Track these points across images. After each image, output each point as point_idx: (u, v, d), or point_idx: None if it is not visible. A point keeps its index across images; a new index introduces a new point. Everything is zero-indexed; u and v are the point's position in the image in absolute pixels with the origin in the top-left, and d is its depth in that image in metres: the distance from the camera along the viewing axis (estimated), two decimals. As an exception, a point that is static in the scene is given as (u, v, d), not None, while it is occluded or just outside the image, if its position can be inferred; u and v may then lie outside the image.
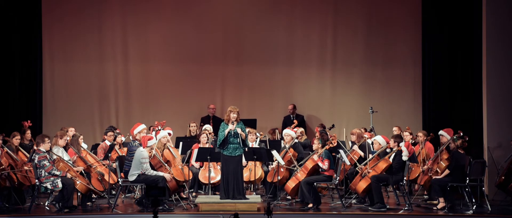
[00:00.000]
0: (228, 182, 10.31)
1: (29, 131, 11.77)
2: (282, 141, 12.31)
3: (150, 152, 10.42)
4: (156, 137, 10.88)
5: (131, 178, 10.31)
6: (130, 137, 11.55)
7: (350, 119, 15.09)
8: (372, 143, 11.40)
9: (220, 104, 15.06)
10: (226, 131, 10.28)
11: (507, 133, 11.88)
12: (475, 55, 13.15)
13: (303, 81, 15.37)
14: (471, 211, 10.37)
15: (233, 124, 10.29)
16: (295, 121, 13.29)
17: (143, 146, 10.35)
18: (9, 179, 10.53)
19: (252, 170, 11.40)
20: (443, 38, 14.41)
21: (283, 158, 11.11)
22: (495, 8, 12.16)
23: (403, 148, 10.45)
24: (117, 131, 12.16)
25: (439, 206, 10.61)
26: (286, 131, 11.70)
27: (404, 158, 10.44)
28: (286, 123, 14.59)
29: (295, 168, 11.02)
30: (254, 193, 12.17)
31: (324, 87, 15.38)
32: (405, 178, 10.68)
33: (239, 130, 10.30)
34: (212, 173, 11.34)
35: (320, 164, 10.60)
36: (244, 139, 10.36)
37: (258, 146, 11.81)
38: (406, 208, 10.47)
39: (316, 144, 10.82)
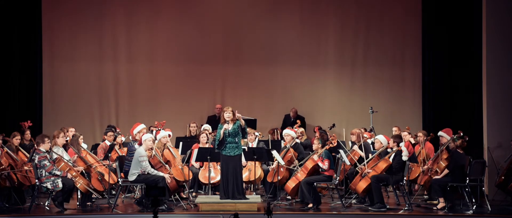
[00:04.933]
0: (228, 182, 10.31)
1: (28, 131, 11.77)
2: (282, 141, 12.31)
3: (150, 152, 10.42)
4: (156, 137, 10.88)
5: (131, 178, 10.31)
6: (130, 137, 11.55)
7: (350, 119, 15.09)
8: (373, 143, 11.39)
9: (220, 104, 15.05)
10: (221, 131, 10.27)
11: (507, 133, 11.88)
12: (475, 54, 13.15)
13: (303, 81, 15.38)
14: (471, 211, 10.36)
15: (228, 124, 10.29)
16: (298, 121, 13.28)
17: (138, 143, 10.39)
18: (9, 179, 10.53)
19: (251, 170, 11.40)
20: (443, 38, 14.42)
21: (283, 158, 11.11)
22: (495, 8, 12.16)
23: (403, 148, 10.46)
24: (118, 130, 12.15)
25: (439, 206, 10.60)
26: (286, 131, 11.70)
27: (404, 158, 10.44)
28: (286, 121, 14.64)
29: (295, 168, 11.01)
30: (254, 193, 12.17)
31: (324, 87, 15.40)
32: (405, 178, 10.68)
33: (239, 117, 10.25)
34: (212, 173, 11.34)
35: (320, 164, 10.60)
36: (244, 127, 10.33)
37: (257, 146, 11.84)
38: (406, 208, 10.47)
39: (316, 144, 10.82)
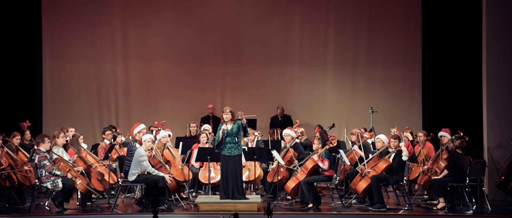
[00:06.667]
0: (228, 182, 10.31)
1: (28, 131, 11.78)
2: (282, 141, 12.31)
3: (149, 153, 10.42)
4: (155, 137, 10.88)
5: (131, 178, 10.31)
6: (130, 137, 11.55)
7: (350, 119, 15.09)
8: (373, 143, 11.38)
9: (220, 104, 15.06)
10: (220, 132, 10.28)
11: (507, 133, 11.88)
12: (475, 55, 13.15)
13: (303, 81, 15.38)
14: (471, 211, 10.36)
15: (226, 125, 10.29)
16: (297, 121, 13.29)
17: (139, 142, 10.41)
18: (9, 179, 10.53)
19: (251, 170, 11.40)
20: (443, 38, 14.43)
21: (283, 158, 11.11)
22: (495, 8, 12.16)
23: (403, 148, 10.46)
24: (118, 130, 12.15)
25: (439, 206, 10.61)
26: (286, 131, 11.69)
27: (404, 158, 10.44)
28: (274, 122, 14.66)
29: (295, 168, 11.01)
30: (254, 193, 12.17)
31: (324, 87, 15.40)
32: (405, 178, 10.68)
33: (242, 119, 10.28)
34: (212, 173, 11.34)
35: (320, 164, 10.60)
36: (245, 126, 10.35)
37: (257, 146, 11.84)
38: (406, 208, 10.47)
39: (316, 144, 10.82)
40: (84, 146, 11.32)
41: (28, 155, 10.63)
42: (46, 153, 10.14)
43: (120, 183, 10.52)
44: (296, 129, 12.09)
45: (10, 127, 12.44)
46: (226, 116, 10.31)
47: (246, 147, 11.29)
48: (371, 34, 15.24)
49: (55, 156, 10.37)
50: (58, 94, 15.09)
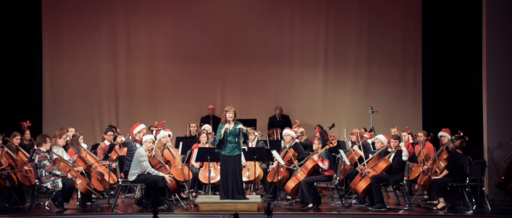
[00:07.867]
0: (228, 182, 10.31)
1: (28, 131, 11.78)
2: (282, 141, 12.31)
3: (149, 153, 10.43)
4: (156, 137, 10.88)
5: (131, 178, 10.31)
6: (130, 137, 11.55)
7: (350, 119, 15.10)
8: (373, 143, 11.38)
9: (219, 104, 15.07)
10: (222, 131, 10.28)
11: (507, 133, 11.88)
12: (475, 54, 13.15)
13: (303, 80, 15.39)
14: (471, 211, 10.36)
15: (229, 124, 10.30)
16: (297, 121, 13.28)
17: (139, 142, 10.42)
18: (9, 179, 10.53)
19: (251, 170, 11.40)
20: (443, 38, 14.42)
21: (283, 158, 11.11)
22: (495, 8, 12.16)
23: (403, 148, 10.46)
24: (118, 130, 12.15)
25: (439, 206, 10.61)
26: (286, 131, 11.70)
27: (404, 158, 10.44)
28: (272, 122, 14.66)
29: (295, 168, 11.01)
30: (254, 193, 12.17)
31: (324, 87, 15.40)
32: (405, 178, 10.68)
33: (241, 126, 10.29)
34: (212, 173, 11.34)
35: (320, 164, 10.60)
36: (245, 133, 10.35)
37: (257, 146, 11.84)
38: (406, 208, 10.47)
39: (316, 144, 10.82)
40: (84, 146, 11.32)
41: (28, 155, 10.63)
42: (46, 153, 10.14)
43: (120, 183, 10.52)
44: (296, 129, 12.08)
45: (10, 127, 12.45)
46: (230, 115, 10.31)
47: (246, 147, 11.29)
48: (371, 34, 15.25)
49: (55, 156, 10.37)
50: (58, 94, 15.09)
